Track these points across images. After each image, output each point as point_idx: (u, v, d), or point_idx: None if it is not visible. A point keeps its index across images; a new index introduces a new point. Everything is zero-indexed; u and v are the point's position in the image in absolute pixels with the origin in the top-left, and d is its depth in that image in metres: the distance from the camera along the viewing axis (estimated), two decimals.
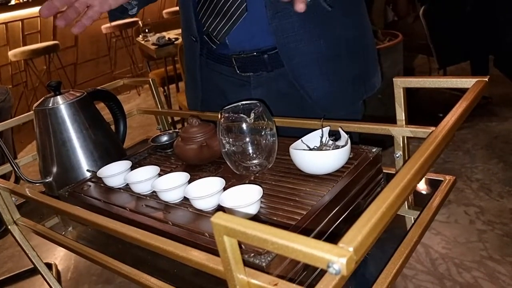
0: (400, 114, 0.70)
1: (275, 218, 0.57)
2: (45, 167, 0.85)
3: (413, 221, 0.60)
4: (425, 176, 0.71)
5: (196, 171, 0.75)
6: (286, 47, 0.86)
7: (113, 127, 0.98)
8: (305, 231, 0.55)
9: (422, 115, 1.22)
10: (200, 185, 0.64)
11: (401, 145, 0.70)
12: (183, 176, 0.68)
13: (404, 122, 0.69)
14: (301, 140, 0.71)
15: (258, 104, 0.69)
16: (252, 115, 0.66)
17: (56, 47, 3.91)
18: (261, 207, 0.60)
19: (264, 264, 0.48)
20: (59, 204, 0.67)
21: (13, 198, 0.85)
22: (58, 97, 0.85)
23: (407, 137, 0.69)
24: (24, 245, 0.90)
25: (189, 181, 0.66)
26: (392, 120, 0.71)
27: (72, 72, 4.73)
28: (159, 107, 1.13)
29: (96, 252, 0.69)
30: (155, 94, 1.13)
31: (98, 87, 1.01)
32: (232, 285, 0.38)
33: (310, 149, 0.70)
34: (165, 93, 3.30)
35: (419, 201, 0.69)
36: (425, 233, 0.57)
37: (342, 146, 0.66)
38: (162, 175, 0.70)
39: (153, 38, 3.17)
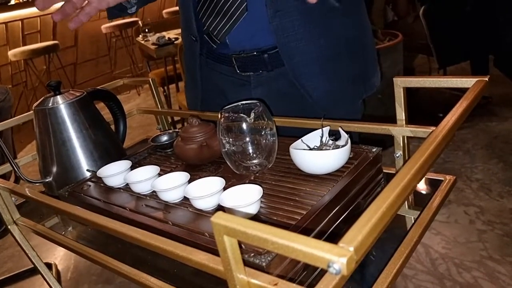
0: (400, 114, 0.70)
1: (275, 218, 0.57)
2: (45, 167, 0.85)
3: (413, 221, 0.60)
4: (425, 176, 0.71)
5: (196, 171, 0.75)
6: (287, 46, 0.86)
7: (113, 127, 0.98)
8: (305, 231, 0.54)
9: (422, 115, 1.22)
10: (200, 185, 0.64)
11: (401, 145, 0.70)
12: (183, 176, 0.68)
13: (404, 122, 0.69)
14: (301, 140, 0.71)
15: (258, 103, 0.68)
16: (252, 114, 0.66)
17: (56, 47, 3.91)
18: (261, 207, 0.60)
19: (264, 264, 0.48)
20: (59, 204, 0.67)
21: (13, 198, 0.85)
22: (58, 96, 0.84)
23: (407, 137, 0.69)
24: (24, 245, 0.90)
25: (189, 181, 0.66)
26: (392, 120, 0.71)
27: (72, 72, 4.73)
28: (159, 107, 1.13)
29: (96, 252, 0.69)
30: (155, 94, 1.13)
31: (98, 87, 1.01)
32: (232, 285, 0.38)
33: (310, 149, 0.70)
34: (165, 93, 3.30)
35: (419, 201, 0.69)
36: (425, 233, 0.57)
37: (342, 146, 0.66)
38: (162, 175, 0.70)
39: (153, 38, 3.18)
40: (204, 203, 0.61)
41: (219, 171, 0.74)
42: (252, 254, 0.49)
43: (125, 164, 0.77)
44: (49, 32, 4.34)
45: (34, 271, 1.95)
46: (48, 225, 0.87)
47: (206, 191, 0.62)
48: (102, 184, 0.76)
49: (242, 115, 0.67)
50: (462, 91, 0.57)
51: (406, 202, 0.69)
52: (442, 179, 0.69)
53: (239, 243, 0.35)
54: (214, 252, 0.40)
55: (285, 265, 0.50)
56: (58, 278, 2.05)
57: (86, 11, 0.74)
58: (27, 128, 3.37)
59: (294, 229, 0.54)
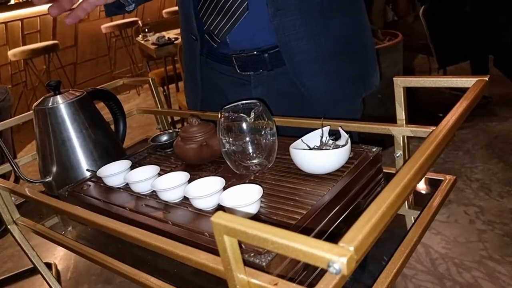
0: (400, 114, 0.70)
1: (275, 218, 0.57)
2: (45, 166, 0.85)
3: (413, 221, 0.60)
4: (425, 176, 0.71)
5: (196, 170, 0.74)
6: (287, 45, 0.86)
7: (112, 126, 0.98)
8: (305, 231, 0.54)
9: (422, 114, 1.22)
10: (200, 185, 0.64)
11: (401, 144, 0.70)
12: (183, 175, 0.68)
13: (404, 122, 0.69)
14: (301, 139, 0.71)
15: (258, 103, 0.68)
16: (252, 114, 0.66)
17: (55, 47, 3.91)
18: (261, 206, 0.60)
19: (264, 263, 0.48)
20: (58, 203, 0.66)
21: (12, 198, 0.85)
22: (58, 96, 0.84)
23: (407, 136, 0.69)
24: (24, 244, 0.90)
25: (189, 181, 0.66)
26: (392, 120, 0.71)
27: (71, 71, 4.73)
28: (159, 106, 1.13)
29: (96, 252, 0.69)
30: (154, 94, 1.13)
31: (98, 87, 1.01)
32: (232, 284, 0.38)
33: (310, 149, 0.70)
34: (164, 93, 3.30)
35: (419, 201, 0.69)
36: (425, 233, 0.57)
37: (342, 146, 0.66)
38: (162, 174, 0.70)
39: (152, 37, 3.18)
40: (204, 203, 0.61)
41: (219, 171, 0.74)
42: (252, 254, 0.49)
43: (125, 164, 0.77)
44: (49, 32, 4.34)
45: (34, 271, 1.95)
46: (48, 225, 0.87)
47: (206, 191, 0.62)
48: (102, 184, 0.76)
49: (242, 114, 0.66)
50: (462, 91, 0.57)
51: (406, 202, 0.69)
52: (442, 179, 0.69)
53: (239, 243, 0.35)
54: (214, 252, 0.40)
55: (285, 265, 0.50)
56: (58, 278, 2.05)
57: (84, 7, 0.73)
58: (27, 128, 3.37)
59: (294, 228, 0.54)
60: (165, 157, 0.84)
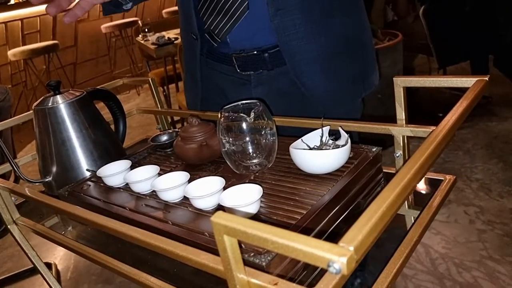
0: (400, 114, 0.70)
1: (275, 218, 0.57)
2: (45, 166, 0.85)
3: (413, 221, 0.60)
4: (425, 176, 0.71)
5: (196, 170, 0.74)
6: (288, 45, 0.86)
7: (112, 126, 0.98)
8: (305, 231, 0.54)
9: (422, 114, 1.22)
10: (200, 185, 0.64)
11: (401, 144, 0.70)
12: (183, 175, 0.68)
13: (404, 122, 0.69)
14: (301, 139, 0.71)
15: (258, 103, 0.68)
16: (252, 114, 0.66)
17: (55, 47, 3.91)
18: (261, 206, 0.60)
19: (264, 263, 0.48)
20: (58, 203, 0.66)
21: (12, 198, 0.85)
22: (58, 96, 0.84)
23: (407, 136, 0.69)
24: (24, 244, 0.90)
25: (189, 181, 0.66)
26: (392, 120, 0.71)
27: (71, 71, 4.73)
28: (159, 106, 1.13)
29: (95, 252, 0.69)
30: (154, 94, 1.13)
31: (98, 87, 1.01)
32: (232, 284, 0.38)
33: (310, 149, 0.70)
34: (164, 93, 3.30)
35: (419, 201, 0.69)
36: (425, 232, 0.57)
37: (342, 146, 0.66)
38: (162, 174, 0.70)
39: (152, 37, 3.18)
40: (204, 203, 0.61)
41: (219, 171, 0.74)
42: (252, 254, 0.49)
43: (125, 163, 0.77)
44: (48, 32, 4.34)
45: (33, 271, 1.95)
46: (48, 224, 0.87)
47: (206, 190, 0.62)
48: (102, 184, 0.76)
49: (242, 114, 0.66)
50: (462, 91, 0.57)
51: (406, 202, 0.69)
52: (442, 179, 0.69)
53: (239, 243, 0.35)
54: (214, 251, 0.40)
55: (285, 265, 0.50)
56: (58, 278, 2.05)
57: (82, 5, 0.73)
58: (27, 128, 3.37)
59: (294, 228, 0.54)
60: (165, 157, 0.84)
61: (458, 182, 2.20)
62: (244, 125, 0.67)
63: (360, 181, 0.65)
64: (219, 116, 0.68)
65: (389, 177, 0.72)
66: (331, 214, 0.59)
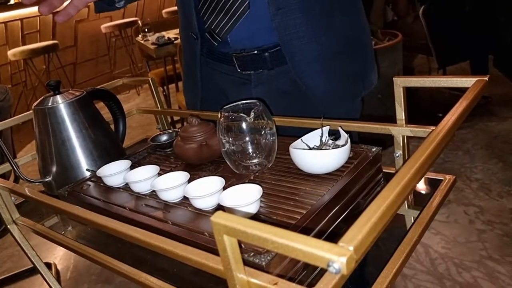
0: (400, 114, 0.70)
1: (275, 217, 0.57)
2: (45, 166, 0.85)
3: (413, 221, 0.60)
4: (425, 176, 0.71)
5: (195, 170, 0.74)
6: (289, 44, 0.86)
7: (112, 126, 0.98)
8: (305, 230, 0.54)
9: (422, 114, 1.22)
10: (200, 185, 0.64)
11: (401, 144, 0.70)
12: (183, 175, 0.68)
13: (404, 122, 0.69)
14: (301, 139, 0.71)
15: (258, 103, 0.68)
16: (252, 114, 0.66)
17: (55, 47, 3.91)
18: (261, 206, 0.60)
19: (264, 263, 0.48)
20: (58, 203, 0.66)
21: (12, 198, 0.85)
22: (58, 96, 0.84)
23: (407, 136, 0.69)
24: (24, 244, 0.90)
25: (189, 181, 0.66)
26: (392, 120, 0.71)
27: (71, 71, 4.73)
28: (159, 106, 1.13)
29: (95, 252, 0.69)
30: (154, 94, 1.13)
31: (98, 87, 1.01)
32: (232, 284, 0.38)
33: (310, 149, 0.70)
34: (164, 93, 3.30)
35: (419, 201, 0.68)
36: (425, 232, 0.57)
37: (342, 146, 0.66)
38: (162, 174, 0.70)
39: (152, 37, 3.17)
40: (203, 203, 0.61)
41: (219, 171, 0.74)
42: (252, 254, 0.49)
43: (124, 163, 0.77)
44: (48, 32, 4.34)
45: (33, 271, 1.95)
46: (48, 224, 0.87)
47: (206, 190, 0.62)
48: (101, 184, 0.76)
49: (242, 114, 0.66)
50: (462, 91, 0.57)
51: (405, 202, 0.69)
52: (442, 178, 0.69)
53: (239, 243, 0.35)
54: (214, 251, 0.40)
55: (285, 265, 0.50)
56: (58, 277, 2.05)
57: (75, 4, 0.73)
58: (27, 128, 3.37)
59: (294, 228, 0.54)
60: (165, 157, 0.84)
61: (458, 182, 2.19)
62: (244, 125, 0.67)
63: (360, 181, 0.65)
64: (219, 116, 0.68)
65: (389, 177, 0.72)
66: (331, 214, 0.59)
